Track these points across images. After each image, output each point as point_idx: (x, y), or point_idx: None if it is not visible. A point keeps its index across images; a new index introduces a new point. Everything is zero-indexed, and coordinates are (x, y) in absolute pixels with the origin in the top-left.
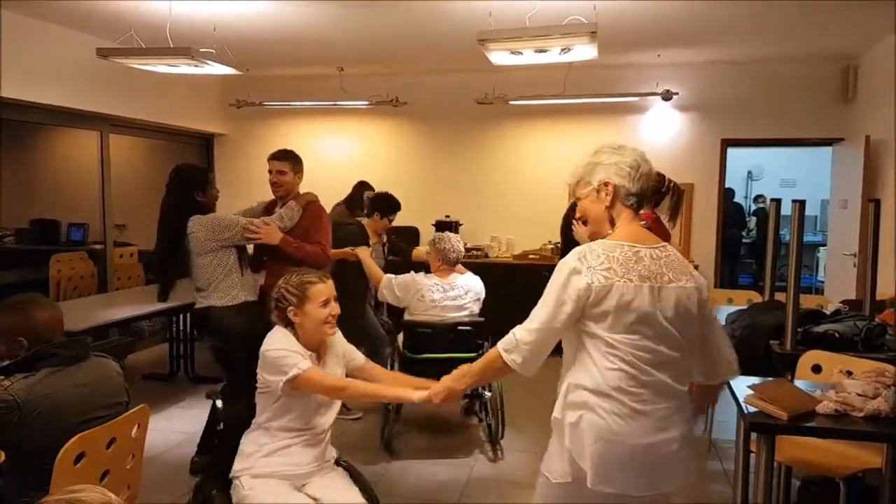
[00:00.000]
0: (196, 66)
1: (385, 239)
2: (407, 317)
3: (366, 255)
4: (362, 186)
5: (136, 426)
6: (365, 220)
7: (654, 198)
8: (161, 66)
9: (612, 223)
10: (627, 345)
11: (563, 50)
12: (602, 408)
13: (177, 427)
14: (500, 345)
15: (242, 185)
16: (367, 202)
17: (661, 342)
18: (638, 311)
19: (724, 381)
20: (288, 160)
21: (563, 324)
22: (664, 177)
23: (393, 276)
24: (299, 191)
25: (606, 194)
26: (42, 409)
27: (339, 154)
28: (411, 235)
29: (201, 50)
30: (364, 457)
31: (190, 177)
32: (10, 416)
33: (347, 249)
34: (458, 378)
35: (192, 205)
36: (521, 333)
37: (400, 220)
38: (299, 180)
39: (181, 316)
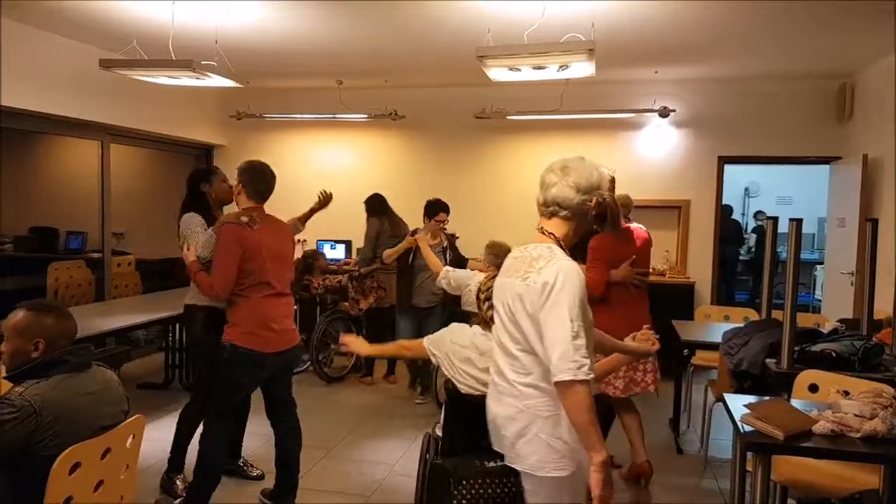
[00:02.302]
0: (197, 78)
1: (446, 243)
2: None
3: (424, 245)
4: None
5: (131, 436)
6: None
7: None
8: (162, 78)
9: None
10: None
11: (560, 67)
12: None
13: (171, 437)
14: None
15: None
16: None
17: (504, 330)
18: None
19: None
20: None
21: None
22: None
23: (451, 268)
24: (247, 203)
25: None
26: (56, 415)
27: (338, 166)
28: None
29: (203, 62)
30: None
31: (196, 173)
32: (28, 421)
33: (410, 238)
34: None
35: (197, 197)
36: None
37: None
38: (239, 191)
39: (177, 325)
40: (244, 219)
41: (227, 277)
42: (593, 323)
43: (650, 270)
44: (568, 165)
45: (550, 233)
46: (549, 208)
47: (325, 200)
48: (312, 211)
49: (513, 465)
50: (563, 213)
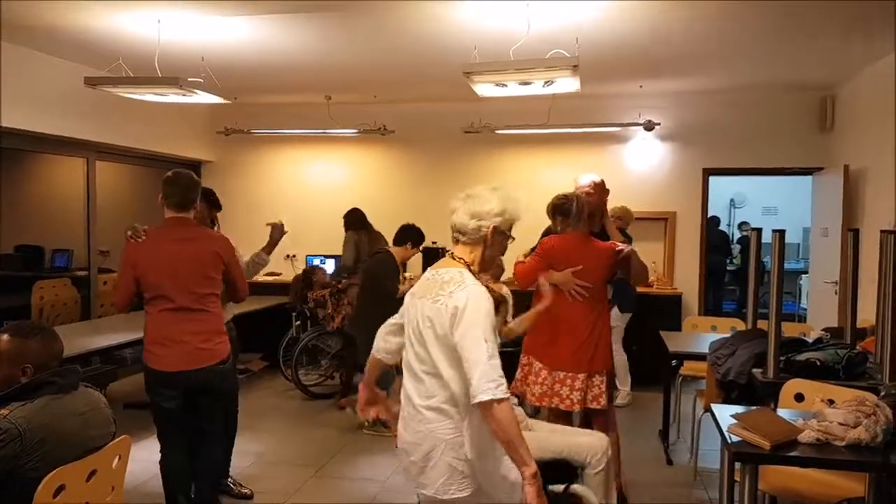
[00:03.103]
0: (184, 94)
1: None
2: None
3: None
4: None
5: (117, 458)
6: (394, 249)
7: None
8: (149, 95)
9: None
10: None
11: (546, 83)
12: None
13: (157, 457)
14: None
15: (229, 213)
16: (400, 233)
17: (412, 352)
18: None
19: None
20: None
21: None
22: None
23: None
24: (168, 213)
25: None
26: (42, 438)
27: (327, 181)
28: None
29: (189, 79)
30: None
31: None
32: (12, 445)
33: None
34: None
35: None
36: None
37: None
38: (161, 202)
39: None
40: (129, 232)
41: (120, 292)
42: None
43: (603, 283)
44: (470, 193)
45: (460, 257)
46: (453, 234)
47: (276, 233)
48: (271, 242)
49: (421, 491)
50: (464, 238)
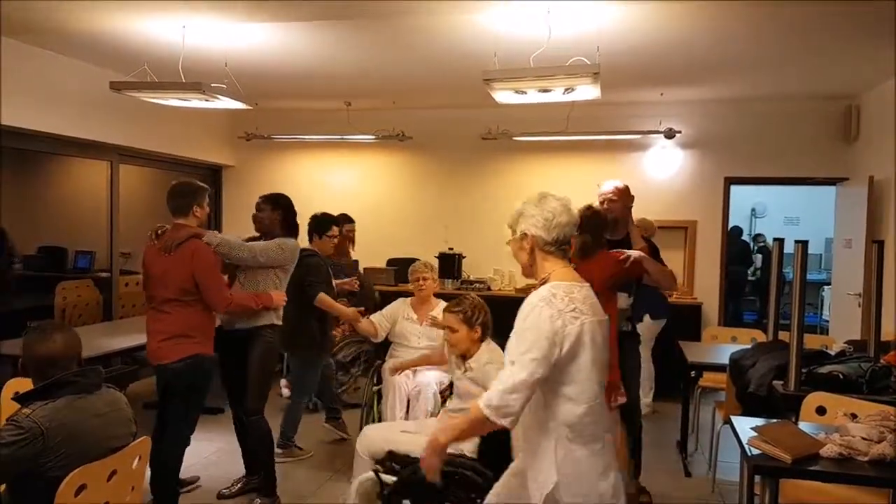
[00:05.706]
0: (207, 100)
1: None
2: None
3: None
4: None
5: (137, 458)
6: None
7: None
8: (172, 100)
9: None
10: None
11: (566, 90)
12: None
13: None
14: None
15: (247, 217)
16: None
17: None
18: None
19: None
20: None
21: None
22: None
23: (378, 316)
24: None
25: (526, 243)
26: (64, 437)
27: (345, 187)
28: None
29: (212, 85)
30: None
31: None
32: (34, 443)
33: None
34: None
35: None
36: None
37: (403, 251)
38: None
39: None
40: (150, 233)
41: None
42: None
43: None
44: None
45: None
46: (549, 248)
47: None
48: None
49: None
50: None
